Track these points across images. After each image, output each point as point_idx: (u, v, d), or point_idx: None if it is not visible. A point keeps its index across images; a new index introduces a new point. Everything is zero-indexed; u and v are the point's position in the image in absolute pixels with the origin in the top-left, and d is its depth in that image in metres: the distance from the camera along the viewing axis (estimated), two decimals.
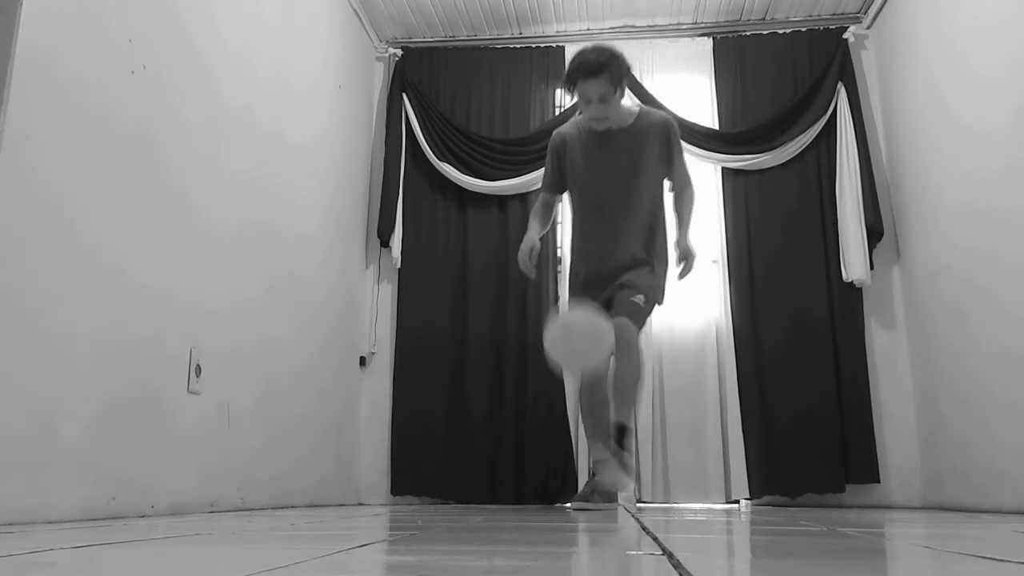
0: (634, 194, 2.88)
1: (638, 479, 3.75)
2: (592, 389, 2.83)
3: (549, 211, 3.10)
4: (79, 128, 1.99)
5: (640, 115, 2.93)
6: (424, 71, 4.36)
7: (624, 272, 2.84)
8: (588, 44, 2.85)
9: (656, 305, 2.91)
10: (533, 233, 2.98)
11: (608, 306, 2.79)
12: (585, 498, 2.79)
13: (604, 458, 2.77)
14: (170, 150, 2.39)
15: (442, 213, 4.19)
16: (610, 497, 2.78)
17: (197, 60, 2.56)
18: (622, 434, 2.74)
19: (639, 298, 2.78)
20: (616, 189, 2.89)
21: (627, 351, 2.73)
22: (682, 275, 2.88)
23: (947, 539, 1.49)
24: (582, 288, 2.94)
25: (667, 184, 3.00)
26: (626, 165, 2.88)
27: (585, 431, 2.99)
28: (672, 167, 2.93)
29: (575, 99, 2.84)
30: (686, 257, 2.86)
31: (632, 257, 2.85)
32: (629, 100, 3.04)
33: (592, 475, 2.95)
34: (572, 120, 3.10)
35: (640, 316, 2.80)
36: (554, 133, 3.08)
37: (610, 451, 2.74)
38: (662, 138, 2.90)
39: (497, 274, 4.07)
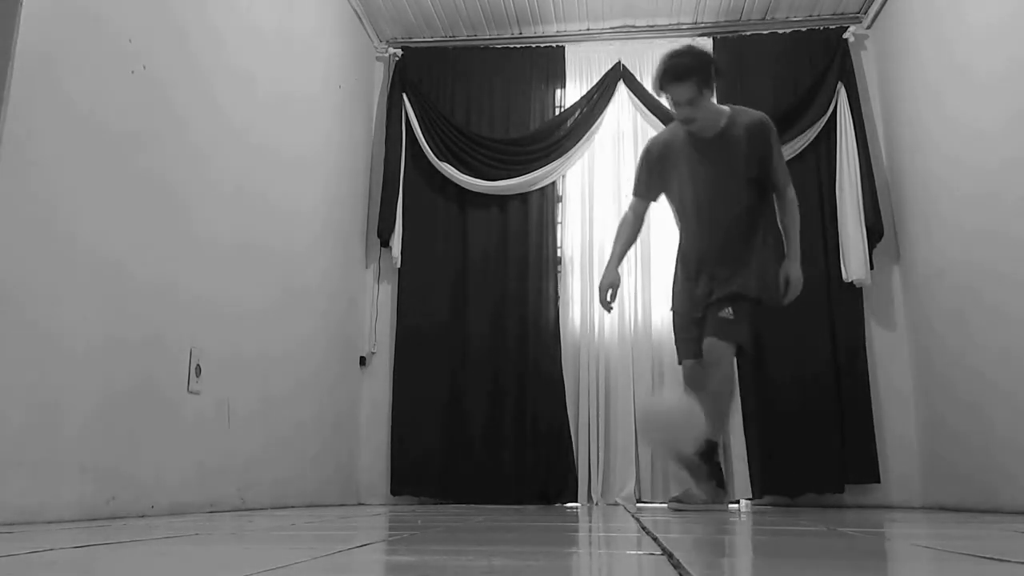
0: (733, 199, 2.88)
1: (638, 480, 3.75)
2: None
3: (639, 221, 3.12)
4: (78, 132, 1.99)
5: (733, 116, 2.89)
6: (424, 71, 4.36)
7: (721, 282, 2.86)
8: (678, 46, 2.88)
9: (758, 304, 2.89)
10: (613, 264, 3.03)
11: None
12: (686, 499, 2.84)
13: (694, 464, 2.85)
14: (170, 150, 2.39)
15: (442, 213, 4.19)
16: (715, 498, 2.83)
17: (197, 58, 2.56)
18: (710, 450, 2.82)
19: (727, 312, 2.79)
20: (715, 195, 2.89)
21: (714, 369, 2.81)
22: (786, 301, 2.91)
23: (947, 539, 1.49)
24: (680, 295, 3.02)
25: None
26: (723, 170, 2.87)
27: None
28: (769, 168, 2.88)
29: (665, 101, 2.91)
30: (789, 285, 2.88)
31: (732, 261, 2.86)
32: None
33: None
34: (669, 127, 3.09)
35: (730, 330, 2.80)
36: (650, 140, 3.12)
37: (692, 462, 2.83)
38: (759, 138, 2.86)
39: (497, 274, 4.07)
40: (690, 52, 2.82)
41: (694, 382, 2.91)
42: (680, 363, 3.04)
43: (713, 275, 2.90)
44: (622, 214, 3.18)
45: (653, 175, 3.05)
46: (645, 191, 3.08)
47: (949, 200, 3.35)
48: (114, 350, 2.10)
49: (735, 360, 2.90)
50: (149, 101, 2.29)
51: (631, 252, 3.84)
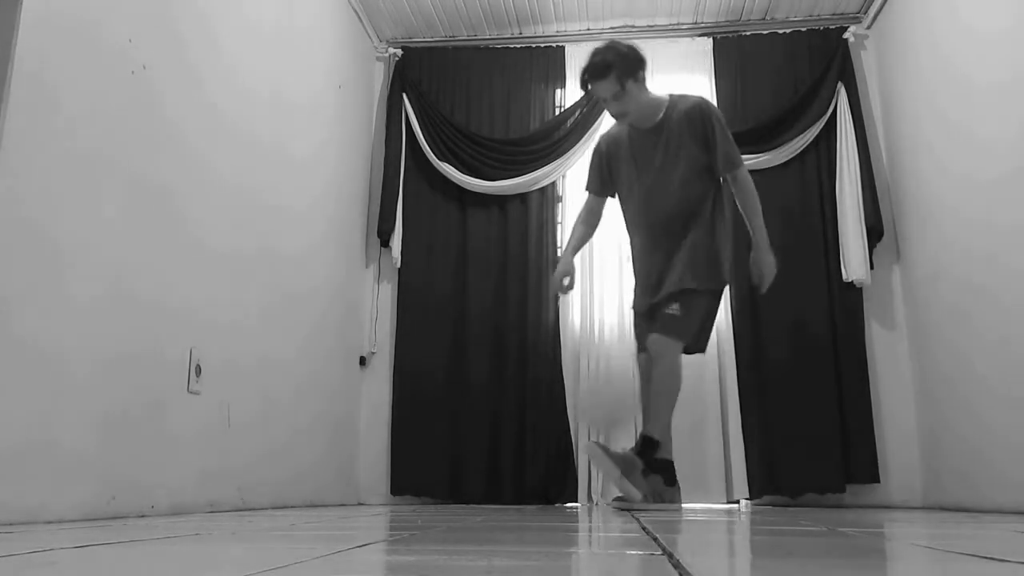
0: (679, 190, 2.80)
1: None
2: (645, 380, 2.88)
3: (594, 216, 3.08)
4: (72, 138, 1.99)
5: (671, 105, 2.84)
6: (424, 71, 4.36)
7: (669, 281, 2.80)
8: (600, 43, 2.84)
9: (710, 296, 2.81)
10: (569, 255, 3.00)
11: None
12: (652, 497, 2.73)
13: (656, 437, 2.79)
14: (168, 153, 2.39)
15: (442, 213, 4.19)
16: (666, 496, 2.76)
17: (196, 60, 2.56)
18: (645, 446, 2.72)
19: (674, 308, 2.74)
20: (661, 187, 2.83)
21: (657, 363, 2.74)
22: (764, 289, 2.88)
23: (947, 539, 1.49)
24: (639, 295, 2.97)
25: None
26: (667, 161, 2.81)
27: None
28: (714, 150, 2.78)
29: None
30: (760, 272, 2.82)
31: (677, 259, 2.79)
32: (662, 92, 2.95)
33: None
34: (617, 123, 3.03)
35: (674, 326, 2.74)
36: (600, 136, 3.10)
37: (624, 459, 2.73)
38: (698, 121, 2.78)
39: (497, 274, 4.07)
40: (608, 48, 2.78)
41: (645, 375, 2.88)
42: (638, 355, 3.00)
43: (662, 269, 2.83)
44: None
45: (603, 171, 3.03)
46: (599, 188, 3.06)
47: (949, 199, 3.35)
48: (115, 350, 2.10)
49: (680, 357, 2.78)
50: (145, 102, 2.29)
51: (630, 251, 3.84)
